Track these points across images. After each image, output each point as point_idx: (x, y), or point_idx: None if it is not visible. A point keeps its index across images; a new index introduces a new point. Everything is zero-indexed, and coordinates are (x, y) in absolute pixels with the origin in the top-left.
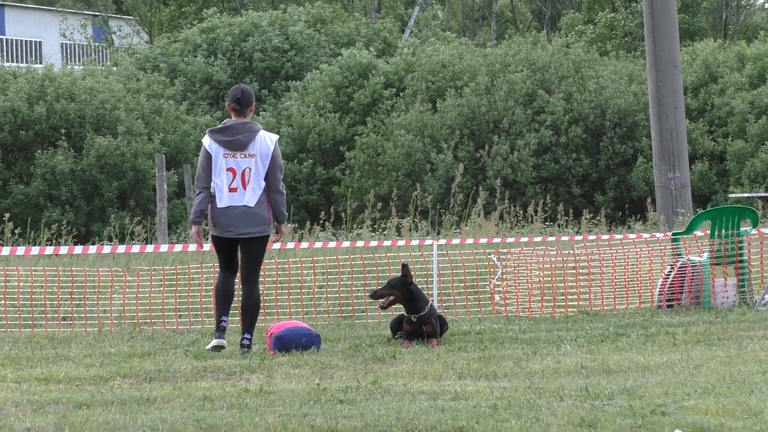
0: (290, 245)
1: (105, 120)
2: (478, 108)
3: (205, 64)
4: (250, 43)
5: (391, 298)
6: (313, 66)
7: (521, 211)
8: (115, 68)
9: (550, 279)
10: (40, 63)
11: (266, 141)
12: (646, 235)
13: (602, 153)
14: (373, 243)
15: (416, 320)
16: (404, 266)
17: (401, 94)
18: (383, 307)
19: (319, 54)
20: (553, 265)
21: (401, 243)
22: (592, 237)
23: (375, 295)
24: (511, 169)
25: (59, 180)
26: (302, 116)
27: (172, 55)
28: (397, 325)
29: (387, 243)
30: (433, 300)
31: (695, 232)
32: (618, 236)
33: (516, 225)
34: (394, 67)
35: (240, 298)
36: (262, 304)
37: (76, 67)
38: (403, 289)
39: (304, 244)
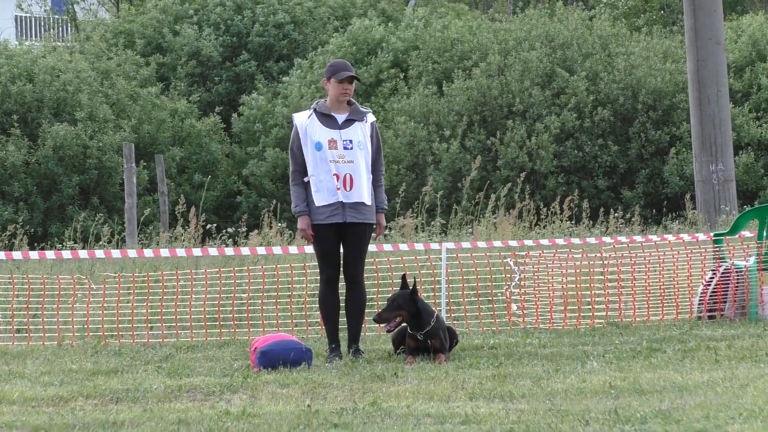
0: (277, 250)
1: (66, 105)
2: (490, 90)
3: (196, 37)
4: (246, 16)
5: (398, 319)
6: (312, 44)
7: (543, 208)
8: (77, 44)
9: (574, 286)
10: None
11: None
12: (685, 237)
13: (633, 140)
14: (372, 247)
15: (422, 337)
16: (405, 278)
17: (404, 75)
18: (389, 331)
19: (318, 31)
20: (578, 271)
21: (404, 247)
22: (622, 238)
23: (380, 319)
24: (528, 157)
25: (11, 174)
26: (300, 97)
27: (148, 27)
28: (399, 339)
29: (387, 247)
30: (441, 310)
31: (741, 233)
32: (654, 237)
33: (537, 224)
34: (404, 44)
35: None
36: (245, 314)
37: (36, 43)
38: (410, 308)
39: (293, 249)
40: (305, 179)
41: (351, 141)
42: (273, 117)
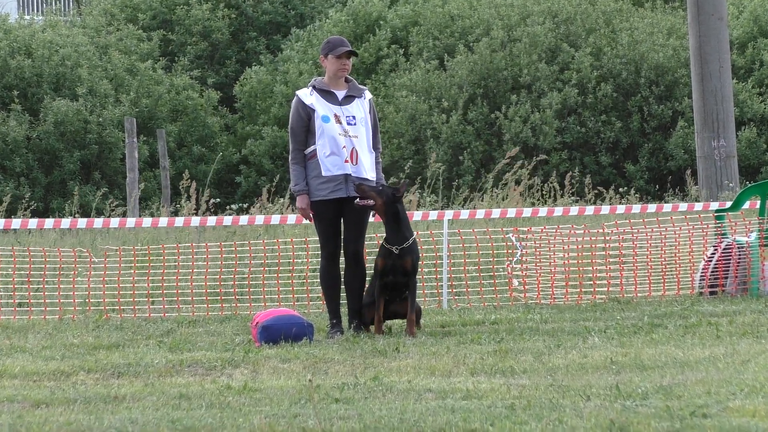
0: (275, 220)
1: (66, 80)
2: (493, 63)
3: (210, 15)
4: None
5: (371, 202)
6: (317, 16)
7: (543, 184)
8: (79, 18)
9: (576, 262)
10: None
11: None
12: (682, 206)
13: (635, 115)
14: (371, 221)
15: (398, 252)
16: (404, 184)
17: (404, 52)
18: (357, 204)
19: (321, 5)
20: (580, 246)
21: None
22: (620, 209)
23: (359, 189)
24: (531, 131)
25: (13, 149)
26: (299, 74)
27: (152, 4)
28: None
29: None
30: (442, 286)
31: (742, 209)
32: (652, 208)
33: (539, 201)
34: (402, 21)
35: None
36: (247, 289)
37: (36, 17)
38: (387, 202)
39: (293, 220)
40: (308, 151)
41: (354, 117)
42: (272, 96)
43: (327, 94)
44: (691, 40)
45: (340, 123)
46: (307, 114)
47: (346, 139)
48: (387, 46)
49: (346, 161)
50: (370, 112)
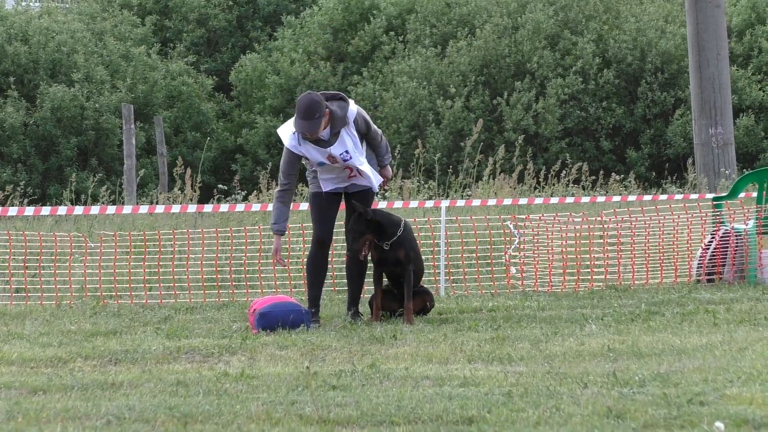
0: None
1: (62, 66)
2: (497, 50)
3: (204, 4)
4: None
5: (367, 243)
6: (309, 3)
7: (543, 172)
8: (76, 5)
9: (573, 249)
10: None
11: None
12: (678, 196)
13: (639, 102)
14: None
15: (389, 247)
16: (351, 205)
17: (402, 38)
18: (365, 255)
19: None
20: (578, 234)
21: (398, 205)
22: (617, 199)
23: (354, 253)
24: (533, 119)
25: (10, 135)
26: (291, 64)
27: None
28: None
29: (383, 205)
30: (440, 273)
31: (740, 197)
32: (648, 198)
33: (536, 188)
34: (397, 9)
35: None
36: (243, 275)
37: (33, 4)
38: (369, 226)
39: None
40: (312, 169)
41: (347, 151)
42: (265, 87)
43: (314, 140)
44: (689, 28)
45: (336, 162)
46: (298, 159)
47: (347, 169)
48: (384, 33)
49: (352, 176)
50: (361, 127)
